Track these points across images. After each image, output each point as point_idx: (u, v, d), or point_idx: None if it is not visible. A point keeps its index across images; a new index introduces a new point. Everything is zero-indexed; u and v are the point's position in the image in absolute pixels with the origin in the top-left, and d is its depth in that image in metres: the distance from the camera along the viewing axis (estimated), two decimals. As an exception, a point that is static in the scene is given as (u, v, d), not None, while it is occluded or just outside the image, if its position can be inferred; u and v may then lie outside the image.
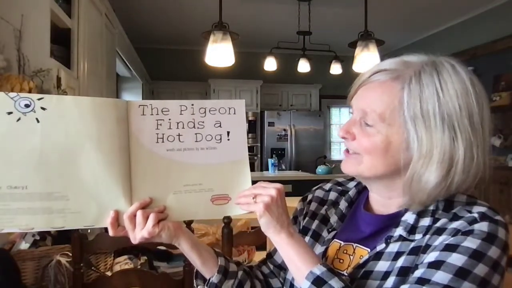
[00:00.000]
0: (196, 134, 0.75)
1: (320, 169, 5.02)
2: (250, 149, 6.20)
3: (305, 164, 6.24)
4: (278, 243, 0.72)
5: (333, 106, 7.43)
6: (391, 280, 0.67)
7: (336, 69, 4.83)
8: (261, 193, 0.71)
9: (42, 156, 0.67)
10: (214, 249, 0.85)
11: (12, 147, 0.66)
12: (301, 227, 0.88)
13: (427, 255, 0.66)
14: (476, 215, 0.66)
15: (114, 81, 3.76)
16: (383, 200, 0.79)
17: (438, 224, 0.69)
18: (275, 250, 0.93)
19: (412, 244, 0.69)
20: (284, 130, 6.47)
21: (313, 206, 0.90)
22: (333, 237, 0.82)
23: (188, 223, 1.27)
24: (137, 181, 0.72)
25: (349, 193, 0.87)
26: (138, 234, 0.71)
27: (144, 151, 0.72)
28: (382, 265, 0.70)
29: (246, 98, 6.31)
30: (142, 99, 5.57)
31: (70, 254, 1.38)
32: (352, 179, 0.91)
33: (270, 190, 0.71)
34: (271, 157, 5.59)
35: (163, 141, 0.73)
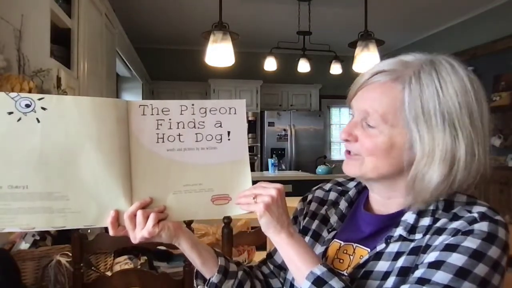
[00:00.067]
0: (196, 134, 0.75)
1: (320, 169, 5.02)
2: (250, 149, 6.20)
3: (305, 164, 6.24)
4: (278, 243, 0.72)
5: (333, 106, 7.43)
6: (391, 280, 0.67)
7: (336, 69, 4.83)
8: (261, 193, 0.71)
9: (42, 156, 0.67)
10: (214, 249, 0.85)
11: (13, 147, 0.66)
12: (301, 227, 0.88)
13: (427, 255, 0.66)
14: (476, 215, 0.67)
15: (114, 81, 3.77)
16: (384, 200, 0.79)
17: (438, 224, 0.69)
18: (275, 250, 0.93)
19: (412, 244, 0.69)
20: (284, 130, 6.47)
21: (313, 206, 0.90)
22: (333, 237, 0.82)
23: (188, 223, 1.27)
24: (137, 181, 0.72)
25: (349, 193, 0.87)
26: (138, 234, 0.71)
27: (144, 151, 0.72)
28: (382, 265, 0.70)
29: (246, 98, 6.31)
30: (142, 99, 5.57)
31: (70, 254, 1.38)
32: (352, 179, 0.91)
33: (270, 190, 0.71)
34: (271, 157, 5.59)
35: (163, 141, 0.73)
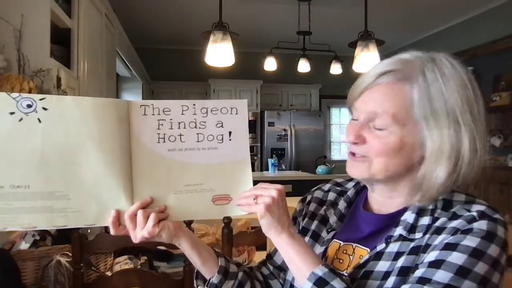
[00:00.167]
0: (197, 134, 0.75)
1: (320, 169, 5.02)
2: (250, 149, 6.15)
3: (305, 164, 6.23)
4: (279, 244, 0.72)
5: (333, 106, 7.43)
6: (391, 280, 0.67)
7: (336, 69, 4.83)
8: (262, 194, 0.71)
9: (43, 156, 0.67)
10: (215, 249, 0.85)
11: (15, 147, 0.66)
12: (300, 228, 0.88)
13: (427, 254, 0.66)
14: (475, 213, 0.67)
15: (114, 81, 3.77)
16: (384, 200, 0.79)
17: (437, 224, 0.69)
18: (274, 251, 0.93)
19: (412, 244, 0.70)
20: (284, 130, 6.47)
21: (312, 206, 0.90)
22: (333, 237, 0.82)
23: (188, 223, 1.27)
24: (138, 181, 0.72)
25: (348, 193, 0.88)
26: (138, 233, 0.71)
27: (145, 151, 0.72)
28: (382, 265, 0.71)
29: (246, 98, 6.26)
30: (142, 99, 5.58)
31: (70, 254, 1.38)
32: (351, 179, 0.91)
33: (271, 191, 0.70)
34: (271, 157, 5.60)
35: (164, 141, 0.73)
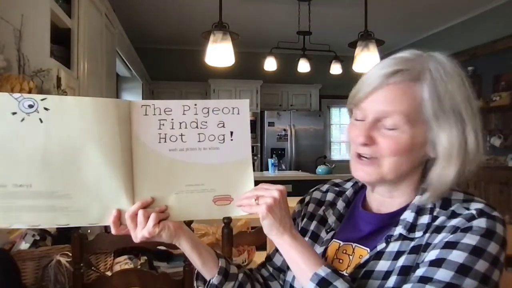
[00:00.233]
0: (199, 134, 0.74)
1: (320, 169, 5.02)
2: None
3: (305, 164, 6.23)
4: (281, 245, 0.72)
5: (333, 106, 7.43)
6: (392, 279, 0.68)
7: (336, 69, 4.83)
8: (263, 194, 0.70)
9: (45, 155, 0.68)
10: (215, 250, 0.85)
11: (17, 147, 0.67)
12: (299, 229, 0.88)
13: (428, 253, 0.67)
14: (474, 211, 0.68)
15: (114, 81, 3.77)
16: (384, 200, 0.79)
17: (437, 222, 0.70)
18: (274, 253, 0.93)
19: (412, 243, 0.70)
20: (284, 130, 6.47)
21: (311, 207, 0.90)
22: (332, 237, 0.82)
23: (188, 223, 1.27)
24: (139, 181, 0.72)
25: (346, 193, 0.88)
26: (139, 233, 0.71)
27: (146, 151, 0.72)
28: (383, 265, 0.71)
29: (246, 98, 6.29)
30: (142, 99, 5.58)
31: (70, 254, 1.38)
32: (349, 179, 0.92)
33: (272, 192, 0.70)
34: (271, 157, 5.60)
35: (165, 141, 0.73)
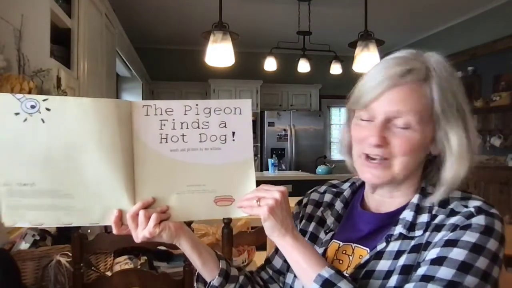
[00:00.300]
0: (200, 134, 0.74)
1: (320, 169, 5.02)
2: (250, 149, 6.17)
3: (305, 164, 6.24)
4: (283, 246, 0.71)
5: (333, 106, 7.43)
6: (394, 279, 0.68)
7: (336, 69, 4.83)
8: (265, 196, 0.70)
9: (47, 155, 0.68)
10: (216, 252, 0.85)
11: (20, 146, 0.68)
12: (298, 230, 0.88)
13: (428, 252, 0.67)
14: (472, 209, 0.68)
15: (114, 81, 3.76)
16: (384, 199, 0.79)
17: (436, 221, 0.70)
18: (273, 255, 0.93)
19: (413, 242, 0.70)
20: (284, 130, 6.47)
21: (309, 208, 0.90)
22: (331, 238, 0.82)
23: (188, 223, 1.26)
24: (140, 181, 0.72)
25: (344, 193, 0.88)
26: (140, 233, 0.71)
27: (147, 151, 0.72)
28: (383, 264, 0.71)
29: (246, 98, 6.29)
30: (142, 99, 5.58)
31: (70, 254, 1.38)
32: (346, 180, 0.92)
33: (274, 193, 0.70)
34: (271, 157, 5.60)
35: (166, 142, 0.73)
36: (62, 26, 2.29)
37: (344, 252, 0.79)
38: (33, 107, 0.68)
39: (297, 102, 6.94)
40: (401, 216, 0.73)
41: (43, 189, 0.69)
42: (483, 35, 4.88)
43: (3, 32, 1.86)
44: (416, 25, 5.61)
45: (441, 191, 0.72)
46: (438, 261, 0.64)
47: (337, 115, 7.55)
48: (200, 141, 0.74)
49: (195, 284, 0.85)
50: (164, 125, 0.73)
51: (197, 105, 0.74)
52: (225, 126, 0.74)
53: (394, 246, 0.71)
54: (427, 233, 0.70)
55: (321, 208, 0.89)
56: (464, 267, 0.63)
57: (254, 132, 6.40)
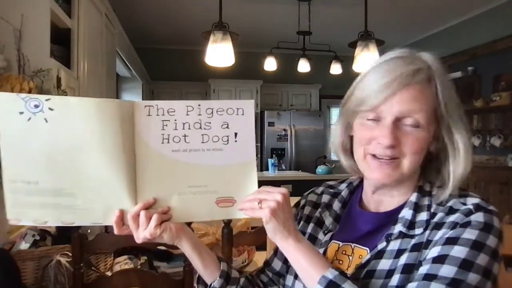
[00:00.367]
0: (202, 135, 0.73)
1: (320, 169, 5.02)
2: (250, 149, 6.16)
3: (305, 164, 6.23)
4: (286, 249, 0.71)
5: (333, 106, 7.42)
6: (395, 278, 0.68)
7: (336, 69, 4.83)
8: (266, 198, 0.70)
9: (51, 154, 0.69)
10: (217, 254, 0.85)
11: (24, 145, 0.69)
12: None
13: (429, 250, 0.68)
14: (471, 206, 0.69)
15: (114, 81, 3.76)
16: (383, 199, 0.79)
17: (436, 219, 0.71)
18: (272, 258, 0.93)
19: (413, 241, 0.71)
20: (284, 130, 6.47)
21: (307, 210, 0.90)
22: (331, 239, 0.82)
23: (188, 223, 1.26)
24: (142, 182, 0.72)
25: (342, 193, 0.88)
26: (141, 234, 0.71)
27: (149, 152, 0.72)
28: (384, 264, 0.71)
29: (246, 98, 6.30)
30: (142, 99, 5.58)
31: (70, 254, 1.38)
32: (343, 181, 0.92)
33: (275, 195, 0.69)
34: (271, 157, 5.59)
35: (168, 142, 0.73)
36: (62, 26, 2.29)
37: (343, 252, 0.79)
38: (36, 106, 0.68)
39: (297, 102, 6.94)
40: (400, 215, 0.74)
41: (46, 188, 0.69)
42: (483, 35, 4.88)
43: (3, 32, 1.86)
44: (416, 25, 5.60)
45: (450, 187, 0.73)
46: (440, 259, 0.65)
47: (337, 115, 7.54)
48: (202, 142, 0.73)
49: (195, 286, 0.85)
50: (166, 125, 0.73)
51: (199, 105, 0.74)
52: (227, 127, 0.74)
53: (394, 245, 0.72)
54: (427, 232, 0.70)
55: (319, 209, 0.89)
56: (465, 265, 0.63)
57: (255, 132, 6.39)
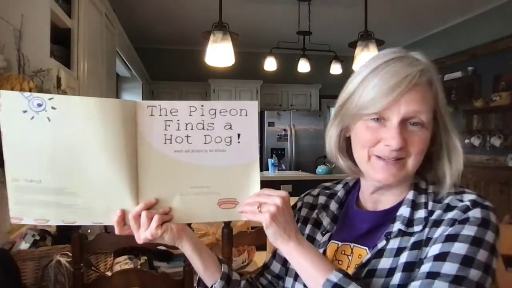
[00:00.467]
0: (205, 135, 0.73)
1: (320, 169, 5.01)
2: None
3: (305, 164, 6.23)
4: (288, 252, 0.70)
5: (333, 106, 7.33)
6: (397, 276, 0.68)
7: (336, 69, 4.83)
8: (266, 201, 0.69)
9: (53, 153, 0.69)
10: (218, 256, 0.84)
11: (28, 144, 0.69)
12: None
13: (430, 248, 0.68)
14: (468, 203, 0.70)
15: (114, 81, 3.76)
16: (381, 198, 0.79)
17: (434, 216, 0.71)
18: (271, 261, 0.93)
19: (413, 239, 0.71)
20: (284, 130, 6.47)
21: (304, 212, 0.90)
22: (329, 239, 0.82)
23: (188, 223, 1.26)
24: (144, 182, 0.72)
25: (338, 194, 0.88)
26: (141, 234, 0.71)
27: (151, 152, 0.72)
28: (385, 262, 0.71)
29: (246, 98, 6.31)
30: (142, 99, 5.58)
31: (70, 254, 1.38)
32: (338, 182, 0.92)
33: (275, 199, 0.69)
34: (271, 157, 5.59)
35: (171, 142, 0.72)
36: (62, 26, 2.29)
37: (343, 252, 0.79)
38: (39, 105, 0.68)
39: (297, 102, 6.94)
40: (398, 213, 0.74)
41: (48, 187, 0.70)
42: (483, 35, 4.88)
43: (3, 32, 1.86)
44: (416, 25, 5.60)
45: (448, 184, 0.74)
46: (441, 256, 0.65)
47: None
48: (205, 143, 0.73)
49: (195, 287, 0.85)
50: (169, 125, 0.72)
51: (202, 106, 0.73)
52: (230, 128, 0.74)
53: (394, 243, 0.72)
54: (427, 229, 0.70)
55: (316, 210, 0.88)
56: (467, 261, 0.64)
57: (255, 132, 6.39)
